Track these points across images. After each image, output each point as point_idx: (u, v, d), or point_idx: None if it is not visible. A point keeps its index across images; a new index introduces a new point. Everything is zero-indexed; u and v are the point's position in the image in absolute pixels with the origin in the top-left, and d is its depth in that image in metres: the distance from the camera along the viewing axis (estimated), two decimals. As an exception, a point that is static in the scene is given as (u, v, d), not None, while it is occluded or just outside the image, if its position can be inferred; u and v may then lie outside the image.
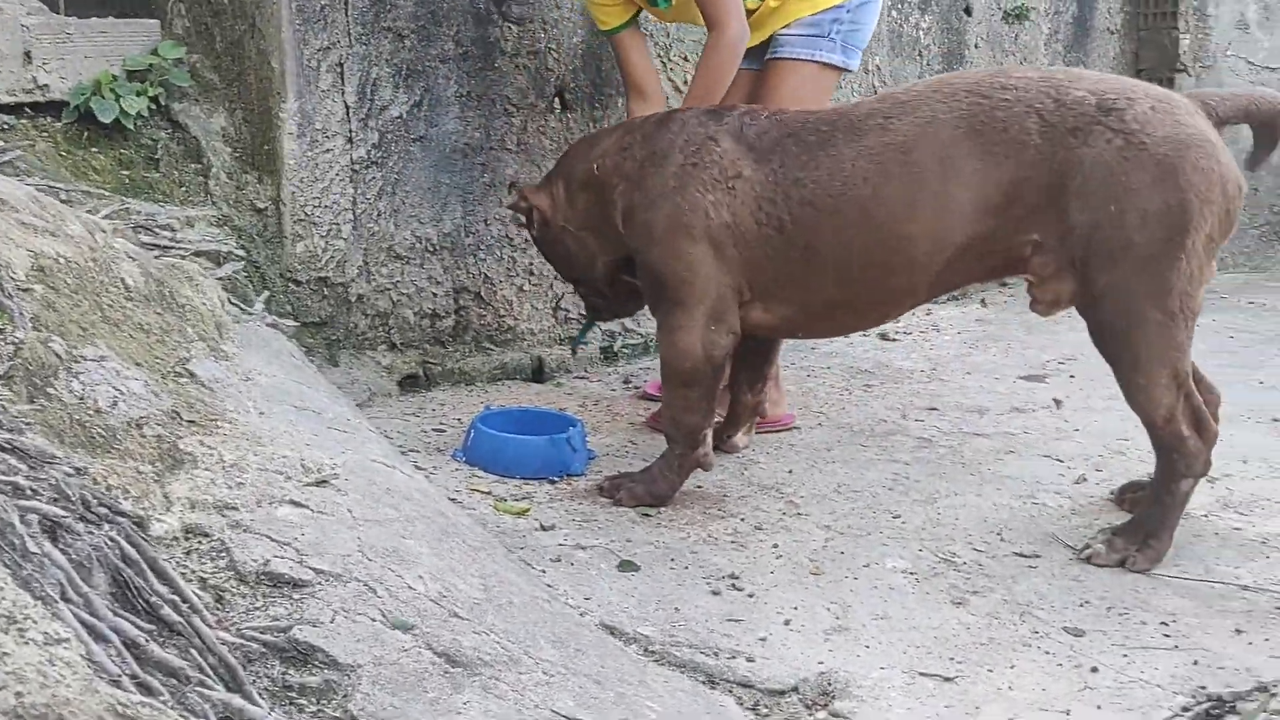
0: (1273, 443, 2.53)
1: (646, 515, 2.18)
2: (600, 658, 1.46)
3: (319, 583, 1.33)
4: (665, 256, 2.18)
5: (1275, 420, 2.67)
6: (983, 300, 4.02)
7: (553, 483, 2.32)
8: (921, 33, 3.84)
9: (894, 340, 3.57)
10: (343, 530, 1.42)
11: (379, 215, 2.82)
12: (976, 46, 4.01)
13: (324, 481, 1.51)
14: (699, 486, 2.33)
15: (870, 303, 2.20)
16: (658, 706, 1.39)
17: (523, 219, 2.48)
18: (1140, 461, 2.45)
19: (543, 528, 2.09)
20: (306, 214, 2.71)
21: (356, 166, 2.78)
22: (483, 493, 2.24)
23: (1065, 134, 1.95)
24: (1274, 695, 1.56)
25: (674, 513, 2.20)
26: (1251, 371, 3.06)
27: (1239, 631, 1.75)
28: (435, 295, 2.94)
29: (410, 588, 1.38)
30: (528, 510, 2.16)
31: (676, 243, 2.15)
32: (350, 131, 2.76)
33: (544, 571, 1.89)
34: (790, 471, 2.45)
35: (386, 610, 1.33)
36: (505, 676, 1.29)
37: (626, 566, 1.95)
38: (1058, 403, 2.89)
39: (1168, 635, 1.75)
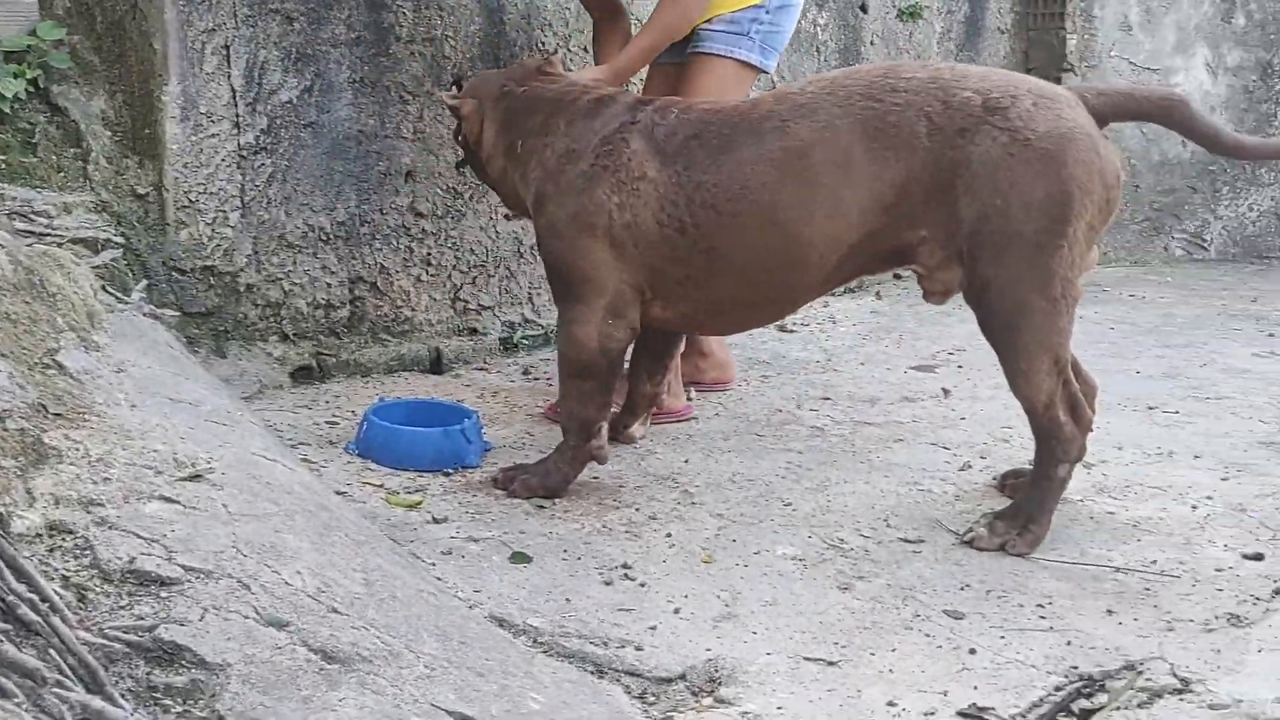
0: (1147, 430, 2.63)
1: (541, 507, 2.18)
2: (485, 650, 1.44)
3: (188, 580, 1.29)
4: (567, 252, 2.20)
5: (1150, 409, 2.78)
6: (877, 293, 4.10)
7: (447, 475, 2.30)
8: (819, 29, 3.90)
9: (791, 332, 3.62)
10: (216, 526, 1.39)
11: (269, 203, 2.75)
12: (872, 44, 4.08)
13: (198, 476, 1.46)
14: (595, 478, 2.33)
15: (769, 300, 2.24)
16: (542, 697, 1.39)
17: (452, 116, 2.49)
18: (1022, 449, 2.53)
19: (435, 520, 2.06)
20: (190, 200, 2.63)
21: (244, 152, 2.70)
22: (375, 486, 2.21)
23: (953, 135, 2.01)
24: (1141, 673, 1.62)
25: (569, 504, 2.20)
26: (1129, 362, 3.17)
27: (1110, 612, 1.81)
28: (329, 285, 2.88)
29: (287, 583, 1.35)
30: (420, 503, 2.14)
31: (579, 240, 2.18)
32: (237, 116, 2.68)
33: (434, 564, 1.87)
34: (686, 461, 2.47)
35: (260, 607, 1.30)
36: (384, 671, 1.27)
37: (519, 558, 1.94)
38: (946, 392, 2.96)
39: (1043, 617, 1.80)
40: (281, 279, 2.79)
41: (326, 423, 2.55)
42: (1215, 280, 4.31)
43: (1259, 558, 1.97)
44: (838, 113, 2.07)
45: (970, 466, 2.45)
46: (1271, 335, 3.49)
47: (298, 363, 2.82)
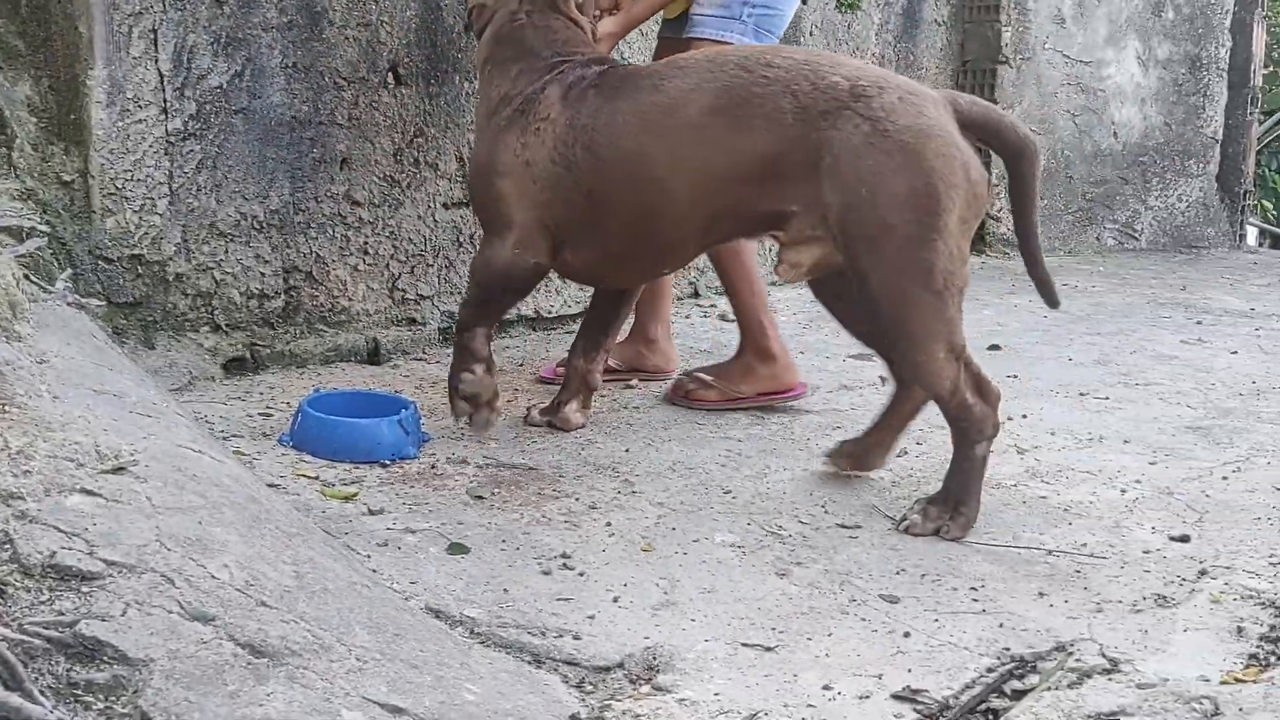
0: (1078, 416, 2.67)
1: (480, 498, 2.16)
2: (420, 642, 1.43)
3: (110, 574, 1.26)
4: (484, 187, 2.40)
5: (1082, 395, 2.83)
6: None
7: (384, 466, 2.27)
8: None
9: (732, 321, 3.62)
10: (140, 519, 1.35)
11: (199, 190, 2.69)
12: (811, 34, 4.10)
13: (121, 469, 1.43)
14: (533, 468, 2.32)
15: (650, 253, 2.37)
16: (477, 688, 1.37)
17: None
18: (959, 435, 2.56)
19: (371, 512, 2.04)
20: (117, 188, 2.56)
21: (172, 138, 2.64)
22: (309, 478, 2.17)
23: (817, 116, 2.07)
24: (1071, 654, 1.65)
25: (508, 493, 2.18)
26: (1062, 349, 3.23)
27: (1042, 594, 1.84)
28: (263, 275, 2.83)
29: (213, 577, 1.33)
30: (356, 495, 2.11)
31: (492, 178, 2.36)
32: (165, 101, 2.62)
33: (369, 556, 1.84)
34: (627, 450, 2.46)
35: (185, 601, 1.27)
36: (314, 665, 1.25)
37: (456, 549, 1.92)
38: (883, 380, 2.97)
39: (976, 600, 1.82)
40: (212, 268, 2.74)
41: (260, 414, 2.51)
42: (1145, 269, 4.40)
43: (1185, 539, 2.02)
44: (708, 77, 2.17)
45: (906, 453, 2.47)
46: (1199, 323, 3.57)
47: (230, 354, 2.76)
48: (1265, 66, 5.57)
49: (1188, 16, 4.77)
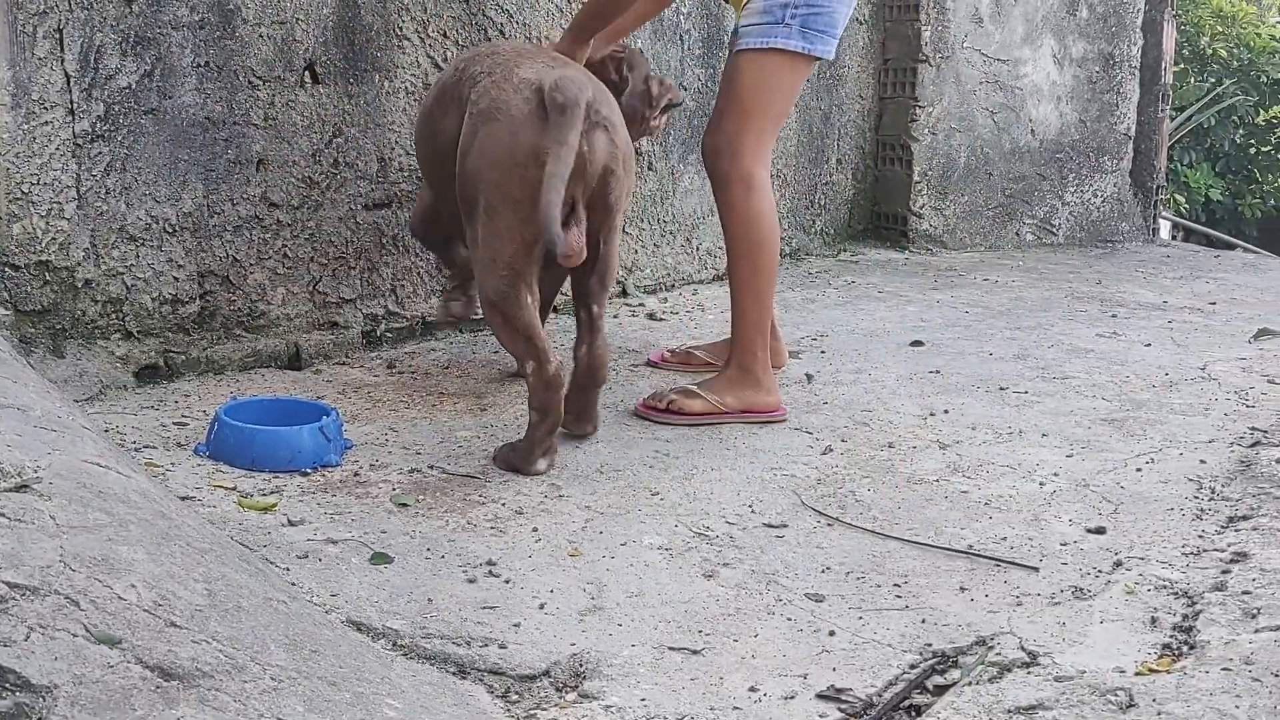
0: (999, 410, 2.72)
1: (404, 505, 2.12)
2: (339, 657, 1.40)
3: (13, 598, 1.21)
4: None
5: (1002, 389, 2.88)
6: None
7: (305, 475, 2.23)
8: (683, 17, 3.91)
9: (661, 320, 3.63)
10: (43, 539, 1.30)
11: (108, 193, 2.61)
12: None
13: (24, 486, 1.37)
14: (459, 474, 2.29)
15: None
16: (399, 703, 1.35)
17: None
18: (882, 431, 2.59)
19: (291, 523, 1.99)
20: (23, 192, 2.47)
21: (80, 140, 2.56)
22: (226, 489, 2.12)
23: (463, 101, 2.34)
24: (992, 648, 1.67)
25: (433, 500, 2.16)
26: (983, 344, 3.28)
27: (963, 589, 1.87)
28: (176, 279, 2.75)
29: (120, 598, 1.28)
30: (275, 505, 2.06)
31: None
32: (72, 103, 2.54)
33: (288, 569, 1.80)
34: (554, 453, 2.44)
35: (91, 624, 1.23)
36: (227, 686, 1.22)
37: (379, 559, 1.89)
38: (809, 377, 3.00)
39: (899, 596, 1.84)
40: (123, 273, 2.66)
41: (175, 424, 2.44)
42: (1063, 264, 4.50)
43: (1101, 531, 2.06)
44: (449, 72, 2.51)
45: (832, 450, 2.49)
46: (1114, 316, 3.66)
47: (143, 361, 2.69)
48: (1175, 64, 5.73)
49: (1101, 15, 4.88)
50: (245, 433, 2.23)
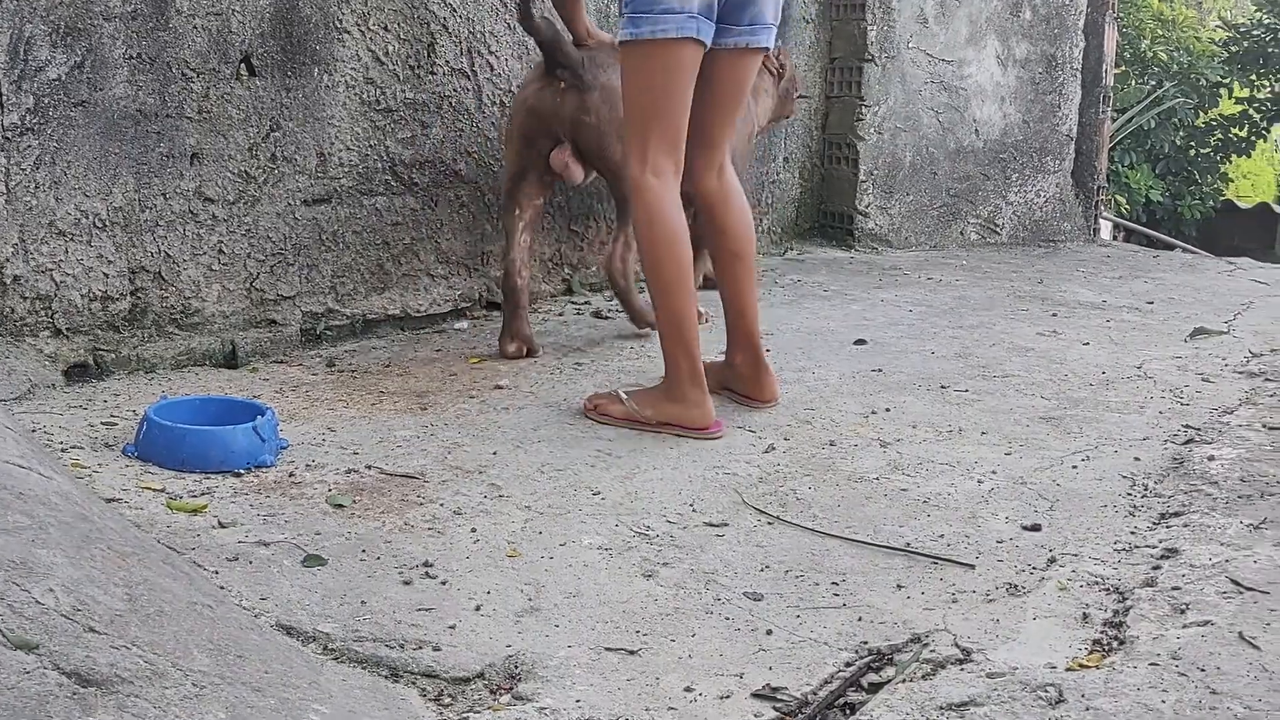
0: (939, 409, 2.74)
1: (340, 506, 2.09)
2: (265, 662, 1.37)
3: (-81, 606, 1.17)
4: None
5: (943, 388, 2.90)
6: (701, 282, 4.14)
7: (238, 476, 2.18)
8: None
9: (607, 319, 3.61)
10: (-46, 544, 1.26)
11: (37, 188, 2.54)
12: (683, 29, 4.10)
13: (-66, 489, 1.33)
14: (397, 474, 2.26)
15: None
16: (326, 708, 1.32)
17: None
18: (824, 430, 2.60)
19: (221, 525, 1.95)
20: (-56, 185, 2.40)
21: (9, 134, 2.49)
22: (155, 490, 2.07)
23: None
24: (926, 645, 1.68)
25: (370, 501, 2.12)
26: (925, 343, 3.31)
27: (900, 587, 1.87)
28: (107, 276, 2.69)
29: (38, 603, 1.24)
30: (205, 507, 2.02)
31: None
32: (0, 95, 2.47)
33: (216, 572, 1.76)
34: (495, 453, 2.42)
35: (7, 629, 1.19)
36: (146, 693, 1.19)
37: (312, 561, 1.86)
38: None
39: (837, 594, 1.85)
40: (52, 269, 2.59)
41: (103, 424, 2.38)
42: (1006, 263, 4.55)
43: (1036, 528, 2.08)
44: None
45: (774, 448, 2.49)
46: (1054, 315, 3.70)
47: (72, 359, 2.62)
48: (1116, 66, 5.82)
49: (1044, 17, 4.94)
50: (175, 433, 2.18)
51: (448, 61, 3.30)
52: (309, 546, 1.91)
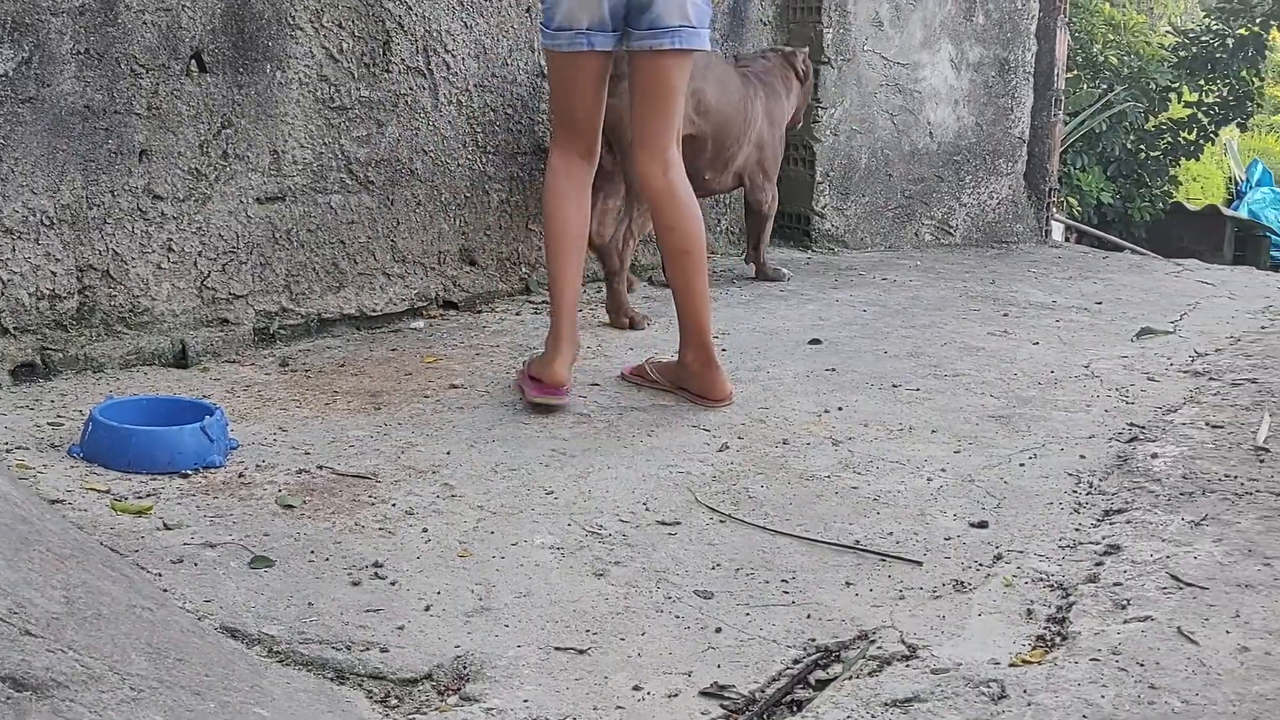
0: (891, 407, 2.76)
1: (289, 507, 2.08)
2: (206, 665, 1.36)
3: None
4: None
5: (895, 386, 2.92)
6: (650, 279, 4.15)
7: (185, 477, 2.16)
8: None
9: (563, 317, 3.60)
10: (-115, 547, 1.24)
11: (-21, 184, 2.50)
12: (640, 29, 4.11)
13: None
14: (349, 474, 2.24)
15: None
16: (268, 712, 1.31)
17: None
18: (777, 429, 2.62)
19: (166, 526, 1.93)
20: (-117, 181, 2.36)
21: (-51, 128, 2.44)
22: (100, 491, 2.04)
23: None
24: (873, 642, 1.70)
25: (320, 501, 2.11)
26: (879, 342, 3.34)
27: (849, 584, 1.89)
28: (54, 274, 2.65)
29: (-29, 607, 1.22)
30: (150, 509, 2.00)
31: None
32: (-60, 88, 2.42)
33: (160, 575, 1.75)
34: (448, 453, 2.41)
35: (-63, 635, 1.17)
36: (82, 697, 1.17)
37: (259, 562, 1.84)
38: (709, 375, 3.01)
39: (786, 592, 1.86)
40: (-4, 268, 2.55)
41: (49, 424, 2.35)
42: (959, 264, 4.60)
43: (984, 525, 2.11)
44: None
45: (728, 447, 2.50)
46: (1005, 315, 3.75)
47: (19, 359, 2.58)
48: (1068, 70, 5.90)
49: (997, 21, 5.00)
50: (121, 433, 2.16)
51: (403, 59, 3.28)
52: (256, 548, 1.89)
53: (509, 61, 3.59)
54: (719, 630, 1.73)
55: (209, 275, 2.94)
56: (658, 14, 2.57)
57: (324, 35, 3.09)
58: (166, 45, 2.78)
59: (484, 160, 3.58)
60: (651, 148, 2.69)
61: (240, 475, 2.19)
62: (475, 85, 3.49)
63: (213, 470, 2.20)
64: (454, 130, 3.44)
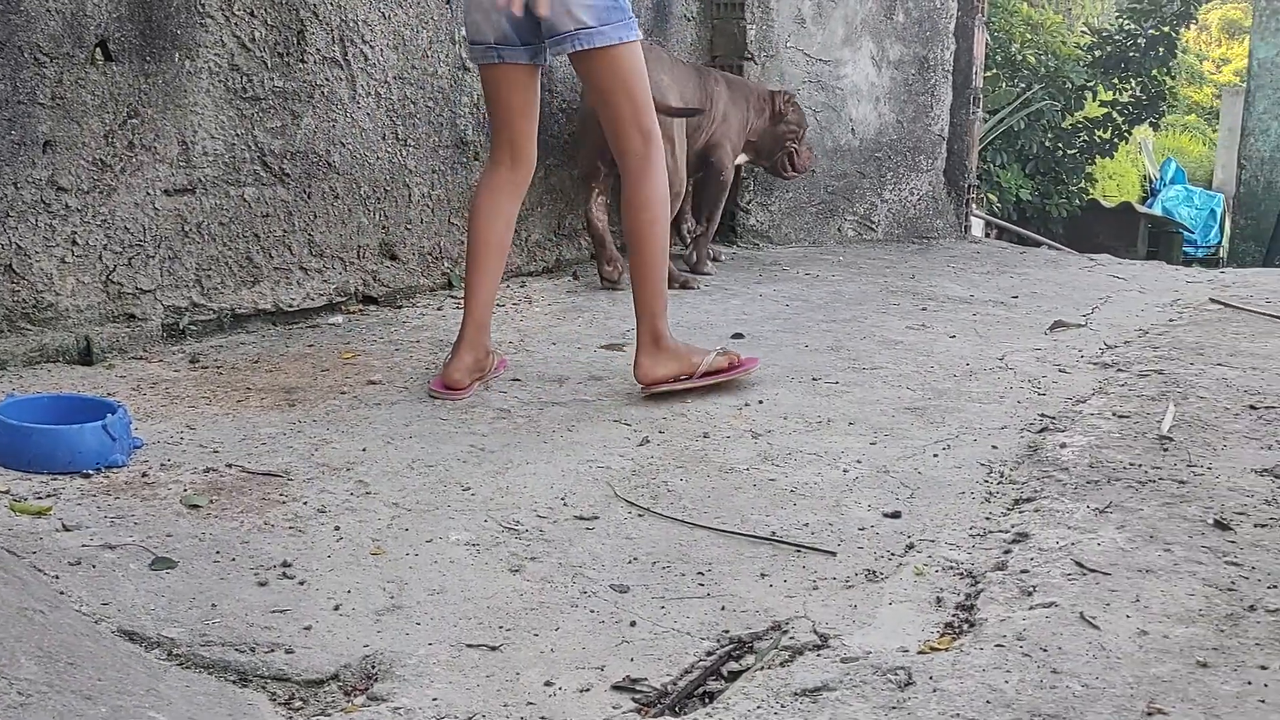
0: (810, 400, 2.79)
1: (195, 507, 2.03)
2: (99, 669, 1.31)
3: None
4: None
5: (815, 380, 2.95)
6: (574, 274, 4.14)
7: (87, 477, 2.10)
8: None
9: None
10: None
11: None
12: (563, 23, 4.09)
13: None
14: (259, 472, 2.20)
15: None
16: (163, 716, 1.28)
17: None
18: (698, 422, 2.62)
19: (65, 528, 1.87)
20: None
21: None
22: (-4, 493, 1.98)
23: None
24: (786, 632, 1.71)
25: (228, 500, 2.06)
26: (800, 336, 3.36)
27: (764, 575, 1.90)
28: (-51, 268, 2.55)
29: None
30: (49, 509, 1.93)
31: None
32: None
33: (57, 577, 1.69)
34: (364, 450, 2.38)
35: None
36: (-37, 705, 1.13)
37: (161, 564, 1.79)
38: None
39: (702, 584, 1.86)
40: (-115, 261, 2.45)
41: (-57, 424, 2.26)
42: (880, 259, 4.66)
43: (897, 515, 2.13)
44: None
45: (649, 441, 2.50)
46: (924, 309, 3.80)
47: (-89, 357, 2.49)
48: (987, 69, 6.01)
49: (916, 20, 5.07)
50: (20, 432, 2.09)
51: (319, 50, 3.23)
52: (159, 549, 1.84)
53: (429, 53, 3.55)
54: (634, 624, 1.73)
55: (115, 270, 2.86)
56: (550, 24, 2.60)
57: (235, 23, 3.02)
58: (71, 33, 2.69)
59: (404, 153, 3.53)
60: (613, 138, 2.74)
61: (144, 475, 2.13)
62: (394, 77, 3.45)
63: (115, 470, 2.14)
64: (373, 122, 3.39)
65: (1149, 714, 1.44)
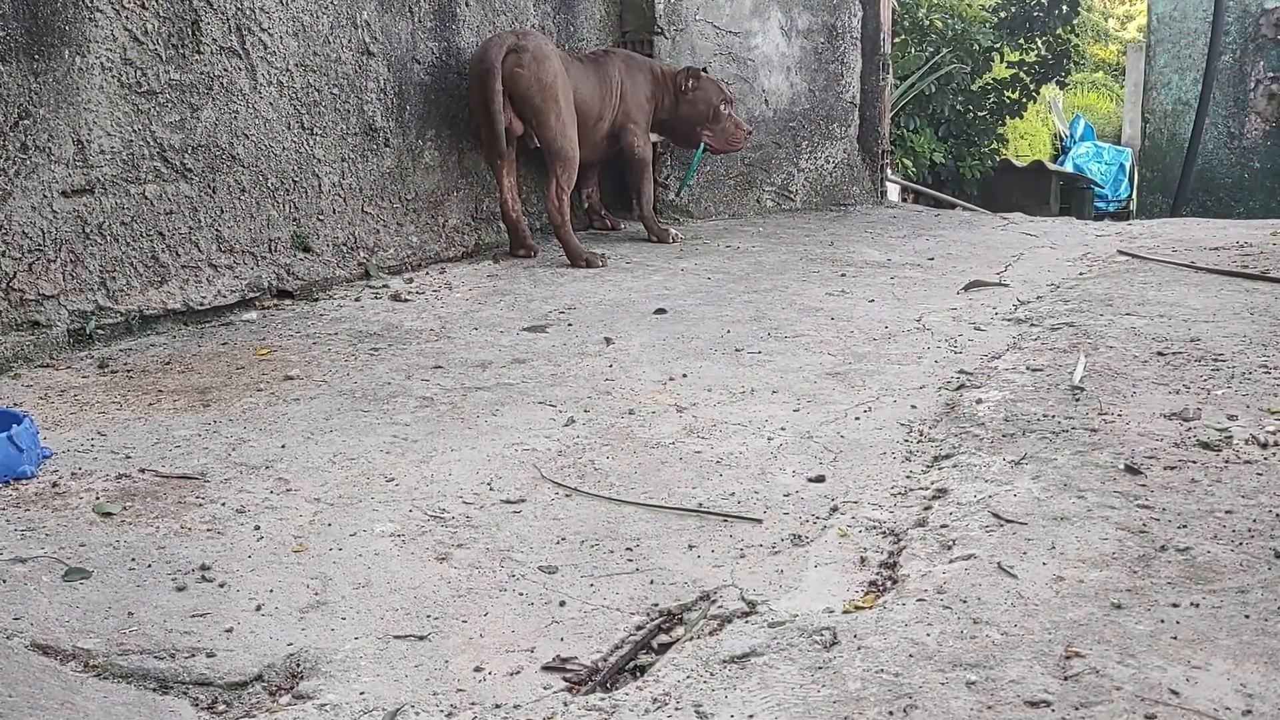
0: (733, 371, 2.80)
1: (108, 514, 1.97)
2: (9, 685, 1.28)
3: None
4: None
5: (738, 351, 2.97)
6: (495, 258, 4.10)
7: (-7, 490, 2.03)
8: (411, -12, 3.79)
9: (406, 301, 3.54)
10: None
11: None
12: (468, 5, 4.04)
13: None
14: (174, 475, 2.14)
15: None
16: (79, 729, 1.24)
17: None
18: (623, 399, 2.62)
19: (-29, 544, 1.81)
20: None
21: None
22: (-105, 513, 1.90)
23: None
24: (714, 601, 1.72)
25: (142, 506, 2.01)
26: (722, 309, 3.38)
27: (691, 547, 1.91)
28: None
29: None
30: (-47, 527, 1.87)
31: None
32: None
33: (-37, 595, 1.64)
34: (283, 446, 2.33)
35: None
36: None
37: (75, 574, 1.74)
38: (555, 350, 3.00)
39: (631, 560, 1.87)
40: None
41: None
42: (800, 228, 4.69)
43: (820, 480, 2.16)
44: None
45: (574, 421, 2.50)
46: (843, 275, 3.85)
47: None
48: (895, 35, 6.06)
49: (825, -11, 5.10)
50: (-82, 449, 2.01)
51: (215, 40, 3.14)
52: (72, 560, 1.79)
53: (331, 39, 3.48)
54: (563, 604, 1.72)
55: (14, 276, 2.76)
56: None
57: (126, 16, 2.93)
58: (-54, 31, 2.59)
59: (311, 142, 3.46)
60: None
61: (54, 485, 2.07)
62: (296, 64, 3.38)
63: (24, 481, 2.07)
64: (276, 112, 3.32)
65: (1067, 657, 1.48)
